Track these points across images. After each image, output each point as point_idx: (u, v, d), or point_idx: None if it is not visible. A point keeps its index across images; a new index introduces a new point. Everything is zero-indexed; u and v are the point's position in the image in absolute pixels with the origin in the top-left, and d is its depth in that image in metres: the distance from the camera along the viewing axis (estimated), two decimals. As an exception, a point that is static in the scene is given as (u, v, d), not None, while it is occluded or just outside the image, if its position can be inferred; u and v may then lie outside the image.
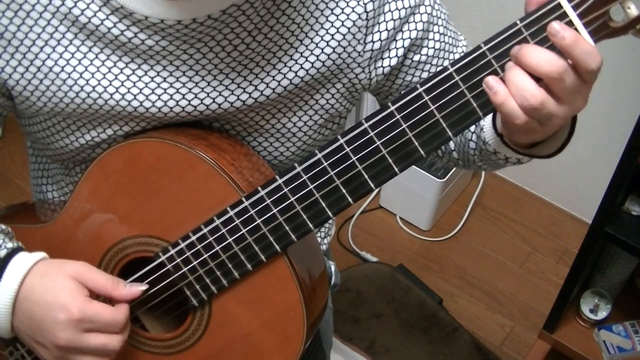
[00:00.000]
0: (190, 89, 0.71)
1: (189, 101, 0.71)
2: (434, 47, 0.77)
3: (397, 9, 0.73)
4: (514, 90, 0.57)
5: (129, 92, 0.70)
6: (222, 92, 0.71)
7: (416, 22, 0.74)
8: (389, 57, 0.75)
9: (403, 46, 0.75)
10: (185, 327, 0.76)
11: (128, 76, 0.70)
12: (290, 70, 0.72)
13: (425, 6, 0.75)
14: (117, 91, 0.70)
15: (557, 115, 0.58)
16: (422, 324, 1.78)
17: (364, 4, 0.71)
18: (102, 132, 0.74)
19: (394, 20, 0.73)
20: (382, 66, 0.75)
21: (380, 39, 0.73)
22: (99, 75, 0.70)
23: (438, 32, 0.77)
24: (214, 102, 0.72)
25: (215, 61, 0.70)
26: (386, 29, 0.73)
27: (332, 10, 0.71)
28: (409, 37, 0.75)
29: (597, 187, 1.57)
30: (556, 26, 0.55)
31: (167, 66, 0.70)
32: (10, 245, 0.71)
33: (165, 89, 0.71)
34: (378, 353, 1.73)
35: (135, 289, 0.72)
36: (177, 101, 0.71)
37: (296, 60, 0.72)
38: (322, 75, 0.74)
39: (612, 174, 1.33)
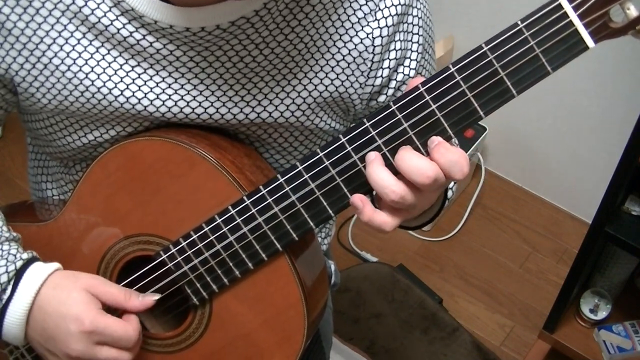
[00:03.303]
0: (194, 97, 0.71)
1: (193, 109, 0.71)
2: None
3: (394, 49, 0.73)
4: (376, 186, 0.61)
5: (133, 95, 0.70)
6: (225, 102, 0.71)
7: (409, 67, 0.75)
8: (379, 93, 0.75)
9: (395, 87, 0.76)
10: (185, 326, 0.77)
11: (134, 79, 0.70)
12: (293, 89, 0.72)
13: (418, 53, 0.75)
14: (122, 94, 0.70)
15: (418, 205, 0.63)
16: (422, 324, 1.78)
17: (372, 37, 0.71)
18: (105, 133, 0.74)
19: (395, 60, 0.73)
20: (376, 100, 0.76)
21: (382, 76, 0.74)
22: (105, 77, 0.70)
23: (424, 75, 0.78)
24: (217, 112, 0.72)
25: (221, 70, 0.70)
26: (388, 67, 0.73)
27: (341, 36, 0.71)
28: (399, 80, 0.75)
29: (597, 187, 1.57)
30: (434, 139, 0.60)
31: (173, 72, 0.70)
32: (25, 255, 0.72)
33: (170, 95, 0.71)
34: (378, 353, 1.73)
35: (148, 299, 0.73)
36: (182, 108, 0.71)
37: (300, 80, 0.72)
38: (325, 100, 0.74)
39: (612, 174, 1.33)
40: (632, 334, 1.61)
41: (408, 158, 0.60)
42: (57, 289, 0.70)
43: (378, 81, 0.74)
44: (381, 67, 0.73)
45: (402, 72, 0.75)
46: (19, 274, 0.70)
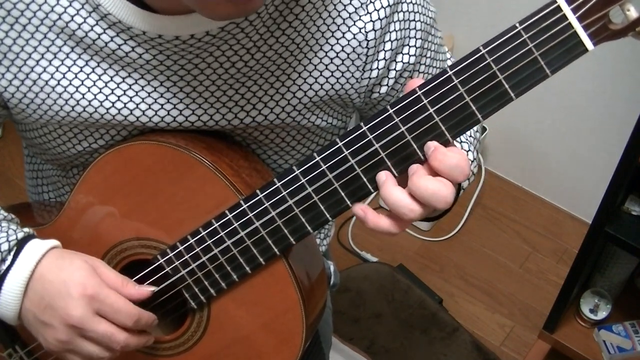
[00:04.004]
0: (187, 105, 0.70)
1: (186, 117, 0.71)
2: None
3: (389, 40, 0.72)
4: (393, 207, 0.61)
5: (125, 107, 0.70)
6: (219, 109, 0.71)
7: (409, 55, 0.74)
8: (379, 85, 0.75)
9: (395, 77, 0.75)
10: (184, 329, 0.76)
11: (125, 91, 0.70)
12: (288, 90, 0.71)
13: (417, 39, 0.74)
14: (113, 106, 0.70)
15: (432, 213, 0.63)
16: (422, 324, 1.78)
17: (365, 32, 0.70)
18: (100, 138, 0.74)
19: (391, 50, 0.73)
20: (378, 92, 0.75)
21: (378, 68, 0.73)
22: (95, 90, 0.69)
23: (425, 63, 0.77)
24: (211, 119, 0.71)
25: (213, 77, 0.69)
26: (384, 59, 0.73)
27: (332, 33, 0.70)
28: (399, 68, 0.74)
29: (597, 187, 1.57)
30: (430, 144, 0.60)
31: (165, 81, 0.69)
32: (27, 229, 0.72)
33: (162, 105, 0.70)
34: (378, 353, 1.73)
35: (144, 289, 0.72)
36: (174, 117, 0.71)
37: (294, 81, 0.71)
38: (321, 99, 0.73)
39: (612, 174, 1.33)
40: (632, 334, 1.61)
41: (424, 186, 0.59)
42: (59, 259, 0.69)
43: (374, 73, 0.73)
44: (376, 59, 0.72)
45: (402, 61, 0.74)
46: (20, 244, 0.69)
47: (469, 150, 0.79)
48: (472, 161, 0.79)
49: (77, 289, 0.67)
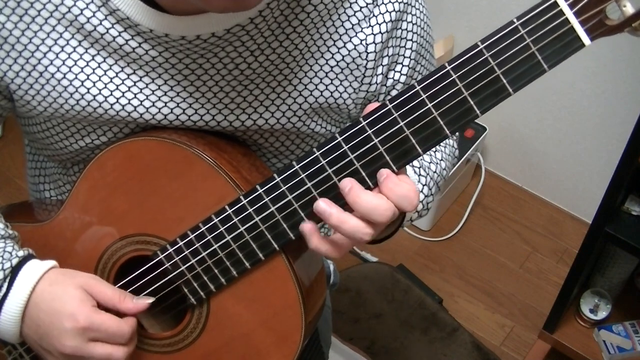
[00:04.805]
0: (190, 104, 0.71)
1: (189, 116, 0.72)
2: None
3: (387, 55, 0.73)
4: (347, 233, 0.63)
5: (129, 103, 0.70)
6: (221, 110, 0.71)
7: (400, 73, 0.75)
8: (376, 99, 0.76)
9: (385, 93, 0.76)
10: (183, 326, 0.76)
11: (129, 87, 0.70)
12: (289, 96, 0.72)
13: (410, 59, 0.75)
14: (117, 101, 0.70)
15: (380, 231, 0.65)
16: (422, 324, 1.78)
17: (366, 44, 0.71)
18: (102, 135, 0.74)
19: (388, 66, 0.74)
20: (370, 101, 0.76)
21: (376, 82, 0.74)
22: (101, 85, 0.70)
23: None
24: (213, 119, 0.72)
25: (216, 78, 0.70)
26: (382, 73, 0.74)
27: (335, 42, 0.71)
28: (389, 85, 0.75)
29: (597, 187, 1.57)
30: (382, 172, 0.61)
31: (169, 80, 0.70)
32: (21, 253, 0.72)
33: (166, 103, 0.71)
34: (378, 353, 1.73)
35: (142, 302, 0.73)
36: (177, 115, 0.71)
37: (295, 86, 0.72)
38: (320, 106, 0.74)
39: (612, 174, 1.33)
40: (632, 334, 1.61)
41: (364, 198, 0.61)
42: (52, 285, 0.70)
43: (372, 87, 0.74)
44: (375, 74, 0.73)
45: (392, 78, 0.75)
46: (14, 271, 0.70)
47: (425, 184, 0.79)
48: (427, 196, 0.80)
49: (69, 322, 0.69)
